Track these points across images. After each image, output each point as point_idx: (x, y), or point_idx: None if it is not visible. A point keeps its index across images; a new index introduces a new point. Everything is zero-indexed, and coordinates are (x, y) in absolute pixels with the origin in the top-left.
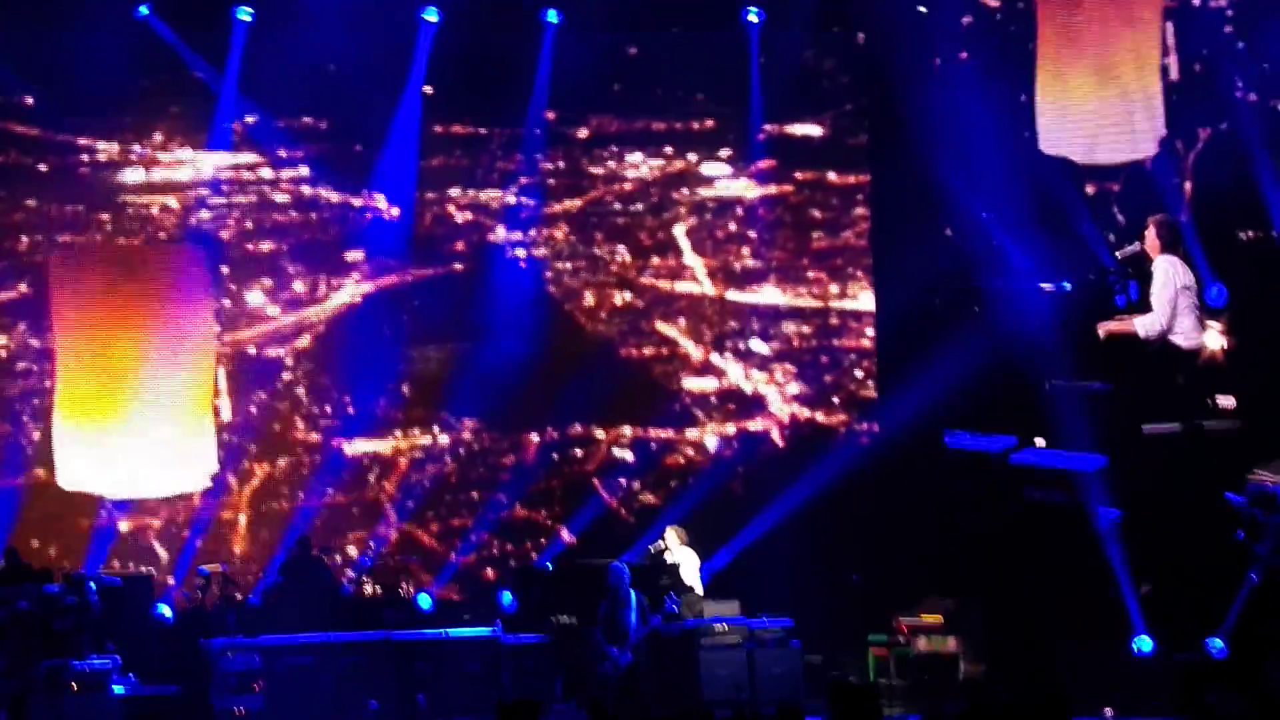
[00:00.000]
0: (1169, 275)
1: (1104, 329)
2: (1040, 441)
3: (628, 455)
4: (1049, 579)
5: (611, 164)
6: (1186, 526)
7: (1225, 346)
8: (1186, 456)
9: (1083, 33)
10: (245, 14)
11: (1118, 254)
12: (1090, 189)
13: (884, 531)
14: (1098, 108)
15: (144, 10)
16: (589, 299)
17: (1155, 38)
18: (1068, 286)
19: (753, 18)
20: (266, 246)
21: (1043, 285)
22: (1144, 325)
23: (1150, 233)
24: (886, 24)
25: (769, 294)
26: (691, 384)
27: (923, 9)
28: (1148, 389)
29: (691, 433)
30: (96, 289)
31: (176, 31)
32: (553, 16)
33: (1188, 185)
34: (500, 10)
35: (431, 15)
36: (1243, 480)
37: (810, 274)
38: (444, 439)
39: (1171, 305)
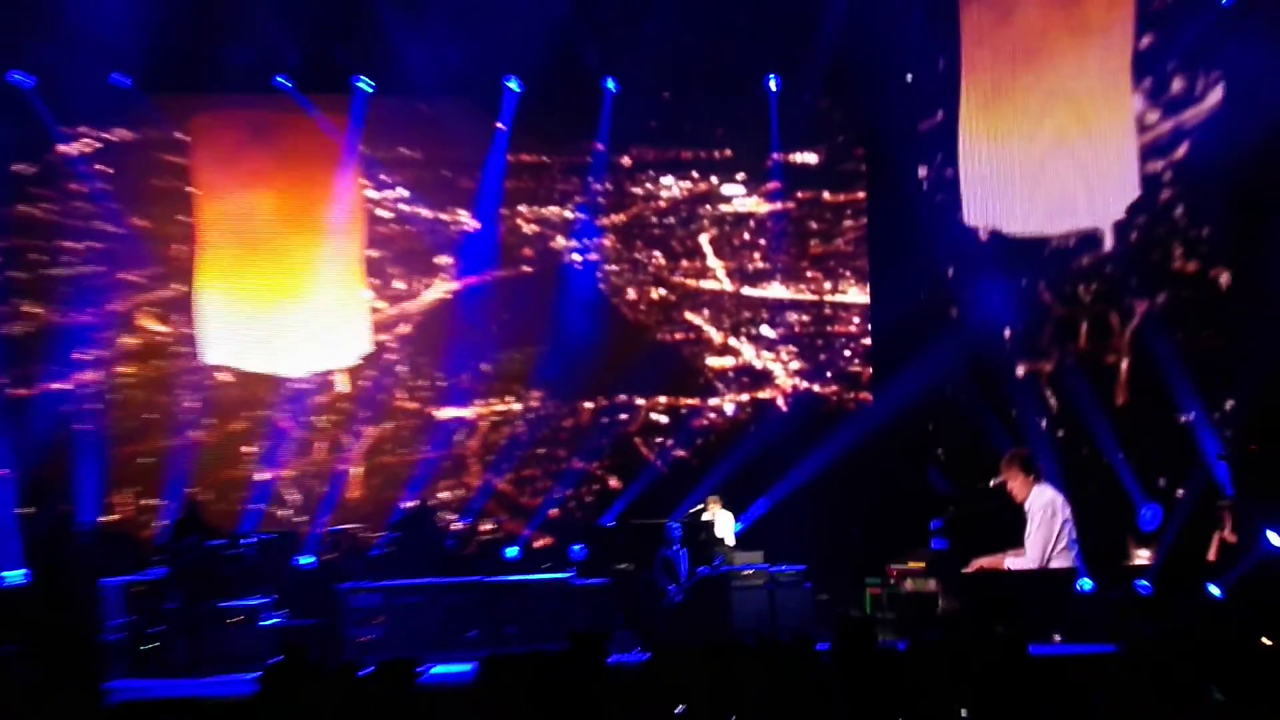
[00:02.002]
0: (1044, 513)
1: (974, 566)
2: None
3: (663, 419)
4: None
5: (649, 185)
6: None
7: None
8: None
9: (1013, 83)
10: (365, 84)
11: (989, 485)
12: (1020, 369)
13: (878, 494)
14: (1037, 168)
15: (280, 80)
16: (631, 294)
17: (1117, 88)
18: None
19: (772, 85)
20: (373, 254)
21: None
22: (1015, 566)
23: (1010, 474)
24: (881, 85)
25: (776, 290)
26: (713, 362)
27: (909, 76)
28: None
29: (713, 400)
30: (238, 151)
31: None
32: (611, 85)
33: (1124, 364)
34: (567, 73)
35: (514, 85)
36: None
37: (809, 274)
38: (516, 406)
39: (1045, 547)
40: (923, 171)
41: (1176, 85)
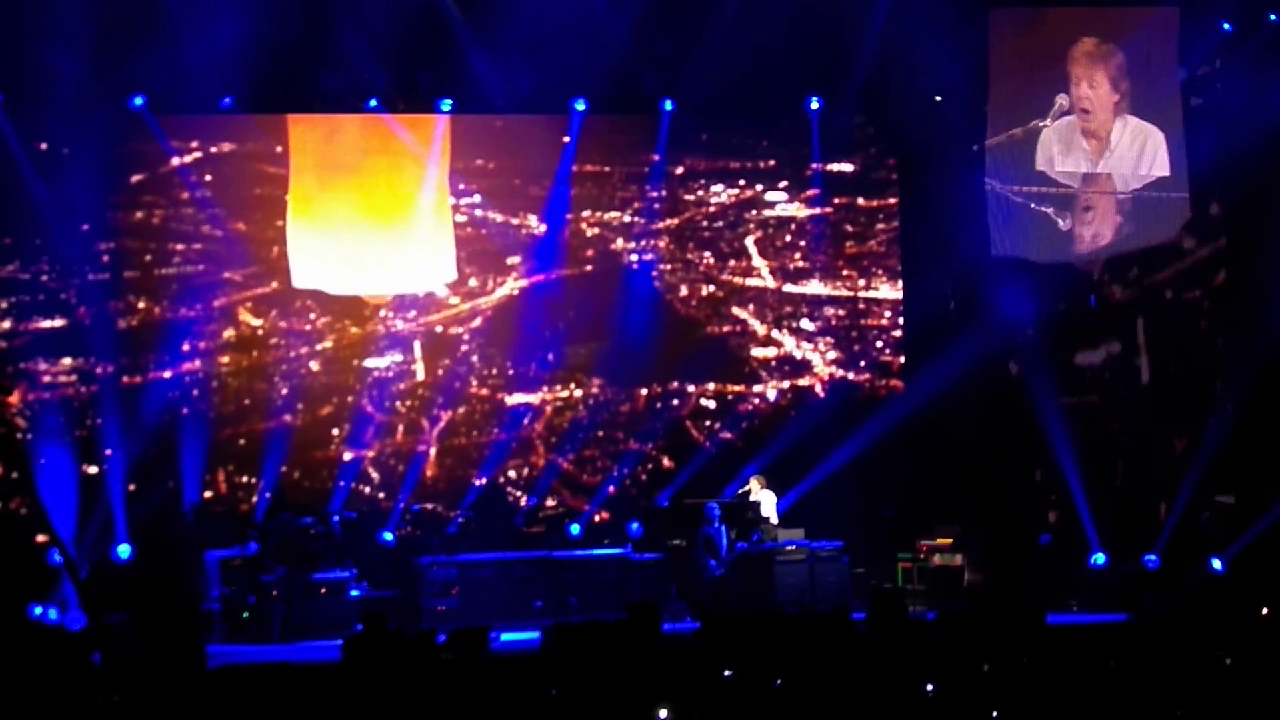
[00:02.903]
0: None
1: None
2: None
3: (711, 404)
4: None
5: (700, 192)
6: None
7: None
8: None
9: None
10: (446, 105)
11: None
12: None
13: (910, 476)
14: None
15: (373, 102)
16: (683, 291)
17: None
18: None
19: (814, 104)
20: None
21: None
22: None
23: None
24: (911, 103)
25: (814, 287)
26: (757, 352)
27: (938, 98)
28: None
29: (757, 387)
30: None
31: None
32: (668, 105)
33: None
34: (628, 95)
35: (580, 105)
36: None
37: (844, 272)
38: (578, 393)
39: None
40: None
41: (1214, 209)
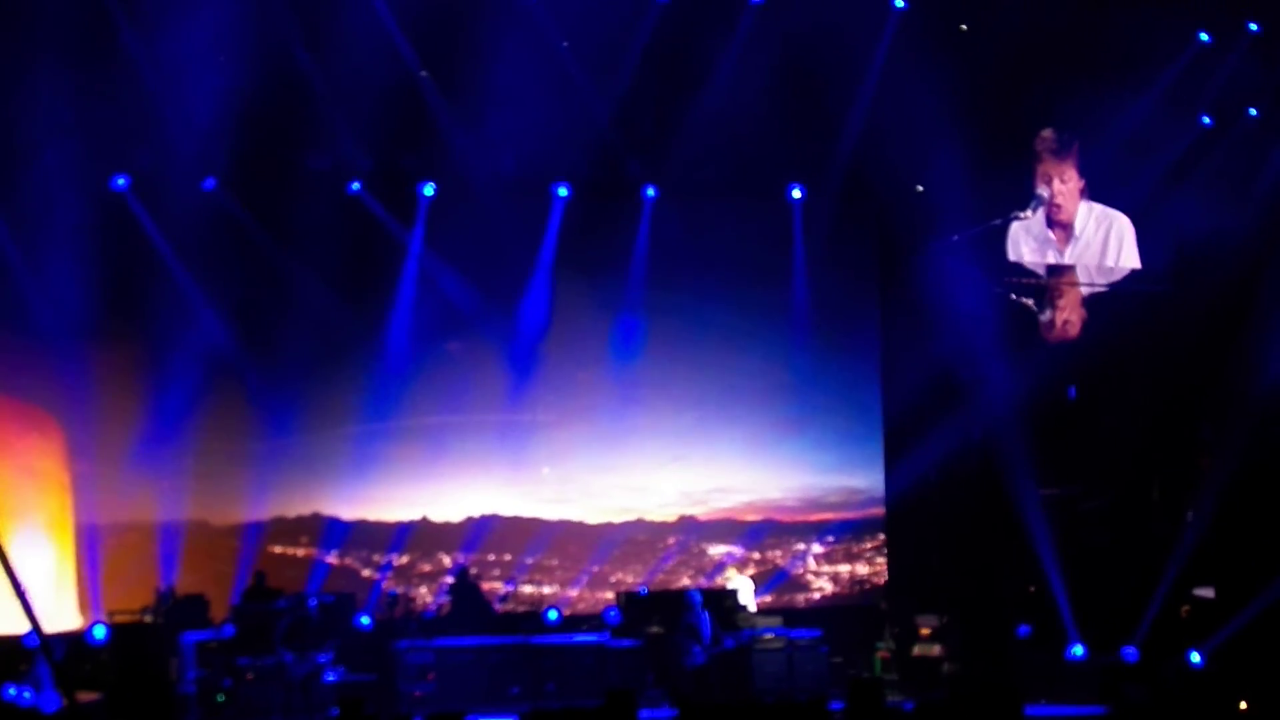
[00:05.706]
0: None
1: None
2: None
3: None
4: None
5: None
6: None
7: None
8: None
9: None
10: (429, 189)
11: None
12: None
13: (889, 565)
14: None
15: (355, 185)
16: None
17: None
18: None
19: (796, 194)
20: None
21: None
22: None
23: None
24: (895, 197)
25: None
26: None
27: (920, 188)
28: None
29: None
30: None
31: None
32: (650, 191)
33: None
34: (610, 182)
35: (563, 191)
36: None
37: None
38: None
39: None
40: None
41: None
